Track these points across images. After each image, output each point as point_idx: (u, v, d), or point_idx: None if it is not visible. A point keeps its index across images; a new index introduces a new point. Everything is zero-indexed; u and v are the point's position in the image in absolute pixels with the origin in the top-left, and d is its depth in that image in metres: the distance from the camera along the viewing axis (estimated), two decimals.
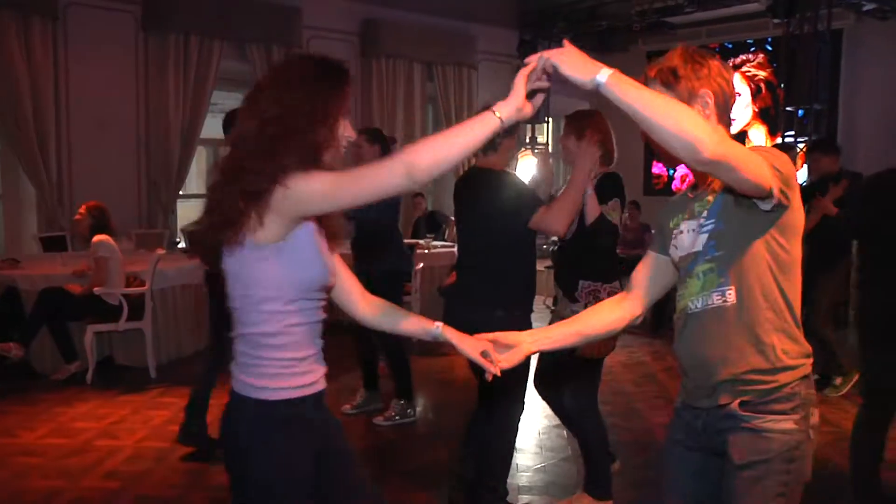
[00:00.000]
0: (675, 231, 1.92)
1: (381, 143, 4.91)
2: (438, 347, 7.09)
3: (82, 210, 5.74)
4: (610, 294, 3.18)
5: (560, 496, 3.76)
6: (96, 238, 5.58)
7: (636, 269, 2.07)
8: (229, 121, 4.41)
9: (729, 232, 1.79)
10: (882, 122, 9.61)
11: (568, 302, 3.43)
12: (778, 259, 1.77)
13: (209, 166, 9.34)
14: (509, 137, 3.40)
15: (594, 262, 3.38)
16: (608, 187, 3.34)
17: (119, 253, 5.70)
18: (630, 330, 6.25)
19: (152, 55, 8.05)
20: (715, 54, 1.93)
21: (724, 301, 1.79)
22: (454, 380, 6.12)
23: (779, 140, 9.47)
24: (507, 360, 1.91)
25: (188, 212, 9.49)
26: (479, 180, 3.42)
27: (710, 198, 1.83)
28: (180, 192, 8.36)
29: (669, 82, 1.85)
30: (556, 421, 4.82)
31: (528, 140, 11.63)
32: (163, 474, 3.99)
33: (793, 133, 8.98)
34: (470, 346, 1.96)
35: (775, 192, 1.65)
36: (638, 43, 12.05)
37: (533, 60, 1.72)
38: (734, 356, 1.77)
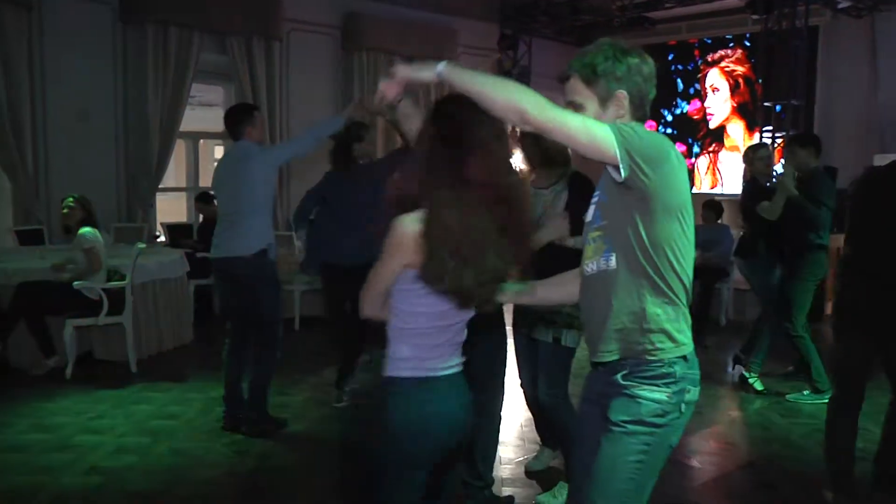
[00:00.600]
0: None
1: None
2: None
3: (71, 202, 5.68)
4: None
5: (542, 488, 3.79)
6: (84, 229, 5.54)
7: None
8: (232, 116, 4.52)
9: (609, 204, 2.00)
10: (857, 118, 9.75)
11: None
12: (644, 235, 1.93)
13: (189, 160, 9.30)
14: None
15: None
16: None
17: (104, 246, 5.65)
18: None
19: (130, 47, 7.95)
20: (636, 49, 2.04)
21: (608, 266, 2.00)
22: None
23: (756, 135, 9.58)
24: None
25: (167, 205, 9.44)
26: None
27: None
28: (159, 186, 8.28)
29: (589, 79, 2.00)
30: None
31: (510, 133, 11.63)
32: (147, 469, 3.97)
33: (770, 128, 9.08)
34: None
35: (620, 164, 1.82)
36: (618, 37, 12.10)
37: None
38: (612, 315, 1.98)
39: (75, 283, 5.50)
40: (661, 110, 11.87)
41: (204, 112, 10.02)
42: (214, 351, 6.58)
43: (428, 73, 1.95)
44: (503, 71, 11.38)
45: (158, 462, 4.07)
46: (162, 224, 8.28)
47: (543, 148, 3.32)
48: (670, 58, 11.68)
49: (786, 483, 3.94)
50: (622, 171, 1.83)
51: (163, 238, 8.14)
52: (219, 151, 11.39)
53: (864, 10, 9.50)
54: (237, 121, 4.47)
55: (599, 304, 2.02)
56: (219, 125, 9.35)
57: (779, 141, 8.88)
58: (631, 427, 1.98)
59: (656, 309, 1.96)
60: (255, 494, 3.74)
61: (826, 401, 4.99)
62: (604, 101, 2.00)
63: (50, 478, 3.83)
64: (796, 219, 5.06)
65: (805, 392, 5.33)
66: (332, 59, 9.66)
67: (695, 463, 4.19)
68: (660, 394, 1.97)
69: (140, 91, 7.91)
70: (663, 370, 1.97)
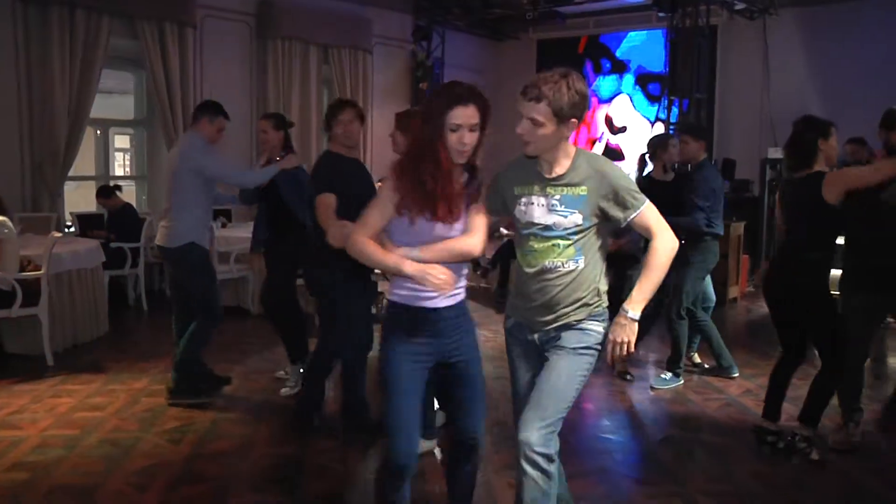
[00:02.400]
0: (521, 199, 2.64)
1: (285, 129, 5.09)
2: None
3: None
4: None
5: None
6: None
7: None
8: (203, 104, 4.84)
9: (585, 227, 2.60)
10: (751, 113, 10.35)
11: None
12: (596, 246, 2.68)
13: (98, 148, 8.99)
14: None
15: None
16: None
17: (16, 235, 5.44)
18: None
19: (33, 29, 7.61)
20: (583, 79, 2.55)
21: (577, 265, 2.62)
22: None
23: (659, 126, 10.02)
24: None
25: (77, 195, 9.11)
26: None
27: (578, 191, 2.56)
28: (68, 175, 7.98)
29: (560, 112, 2.46)
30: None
31: None
32: (75, 462, 3.87)
33: (675, 121, 9.52)
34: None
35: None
36: (529, 31, 12.41)
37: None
38: (577, 297, 2.64)
39: None
40: None
41: (117, 100, 9.69)
42: (132, 342, 6.46)
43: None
44: (417, 62, 11.48)
45: (88, 454, 3.98)
46: (72, 214, 7.98)
47: None
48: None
49: (704, 453, 4.21)
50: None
51: (75, 228, 7.84)
52: (122, 141, 11.04)
53: (756, 13, 10.09)
54: (202, 108, 4.77)
55: (567, 292, 2.63)
56: (130, 113, 9.19)
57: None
58: (582, 350, 2.65)
59: (597, 292, 2.69)
60: (191, 481, 3.71)
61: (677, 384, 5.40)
62: (559, 123, 2.49)
63: None
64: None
65: (667, 375, 5.46)
66: (247, 48, 9.53)
67: (619, 438, 4.42)
68: (599, 327, 2.68)
69: (46, 76, 7.60)
70: (600, 313, 2.70)
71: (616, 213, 2.58)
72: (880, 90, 9.35)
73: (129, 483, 3.65)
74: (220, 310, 4.79)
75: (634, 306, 2.56)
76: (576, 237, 2.59)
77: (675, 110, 9.57)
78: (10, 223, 5.41)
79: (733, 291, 8.61)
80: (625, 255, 7.78)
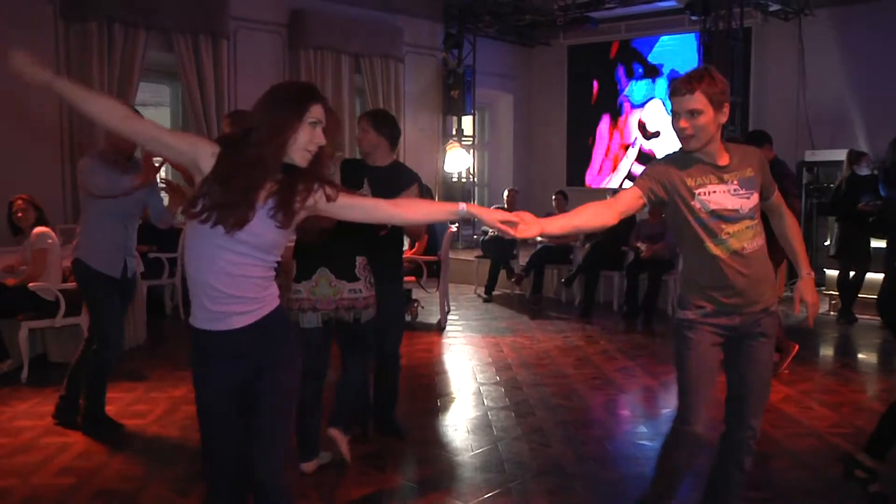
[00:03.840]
0: (699, 189, 2.74)
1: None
2: None
3: (20, 203, 5.55)
4: None
5: (515, 472, 3.91)
6: (38, 230, 5.44)
7: (622, 193, 2.86)
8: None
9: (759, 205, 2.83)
10: (787, 115, 10.21)
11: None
12: None
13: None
14: None
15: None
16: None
17: (59, 247, 5.55)
18: (562, 317, 6.36)
19: (73, 44, 7.80)
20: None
21: (763, 242, 2.81)
22: None
23: None
24: (523, 231, 2.47)
25: None
26: None
27: (748, 173, 2.76)
28: None
29: (713, 98, 2.65)
30: (506, 402, 5.03)
31: (454, 132, 11.78)
32: (119, 468, 3.95)
33: None
34: (492, 216, 2.44)
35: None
36: (560, 37, 12.39)
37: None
38: (769, 274, 2.87)
39: (30, 284, 5.39)
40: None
41: (152, 112, 9.86)
42: (170, 350, 6.55)
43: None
44: (448, 70, 11.52)
45: (131, 460, 4.05)
46: None
47: None
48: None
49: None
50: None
51: None
52: None
53: (791, 14, 9.97)
54: None
55: (761, 272, 2.82)
56: (166, 125, 9.33)
57: None
58: (773, 336, 2.90)
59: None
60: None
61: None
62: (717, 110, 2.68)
63: (19, 480, 3.77)
64: None
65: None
66: (280, 58, 9.65)
67: (658, 445, 4.38)
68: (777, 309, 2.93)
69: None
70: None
71: (766, 190, 2.84)
72: None
73: (171, 489, 3.71)
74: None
75: (807, 265, 2.88)
76: (756, 217, 2.78)
77: None
78: (53, 234, 5.54)
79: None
80: (660, 260, 7.76)
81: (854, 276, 7.75)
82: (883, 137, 8.55)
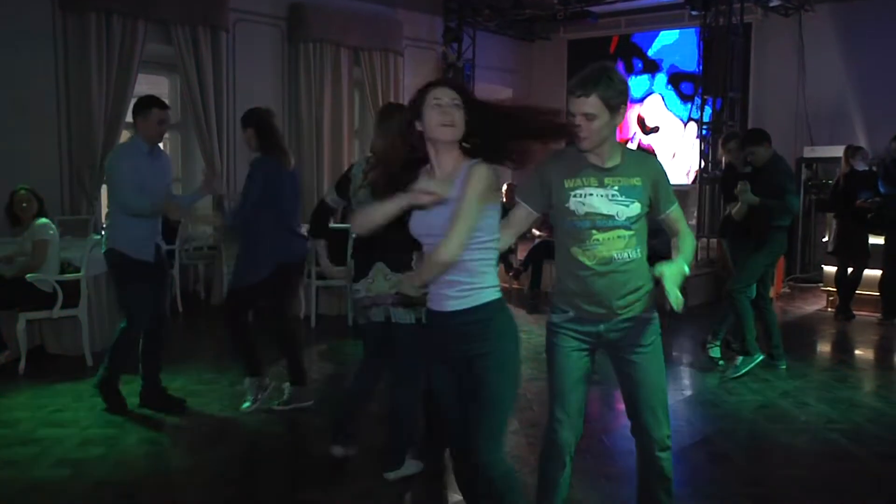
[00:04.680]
0: (575, 191, 2.66)
1: (254, 125, 4.66)
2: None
3: (24, 194, 5.56)
4: None
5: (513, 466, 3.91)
6: (40, 221, 5.44)
7: (512, 213, 2.82)
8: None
9: (642, 216, 2.69)
10: (787, 111, 10.21)
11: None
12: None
13: None
14: None
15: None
16: None
17: (58, 238, 5.55)
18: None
19: (72, 36, 7.76)
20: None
21: (637, 255, 2.71)
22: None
23: (693, 126, 9.93)
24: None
25: None
26: None
27: (634, 181, 2.65)
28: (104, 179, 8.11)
29: (609, 103, 2.59)
30: None
31: None
32: (118, 460, 3.95)
33: (708, 121, 9.43)
34: None
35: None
36: (560, 32, 12.37)
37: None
38: (640, 284, 2.72)
39: (28, 275, 5.38)
40: None
41: None
42: (167, 342, 6.54)
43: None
44: (447, 64, 11.50)
45: (129, 452, 4.06)
46: None
47: None
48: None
49: (739, 455, 4.17)
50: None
51: None
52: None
53: (791, 10, 9.96)
54: (133, 109, 4.55)
55: (628, 281, 2.69)
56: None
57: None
58: (657, 343, 2.78)
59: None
60: (230, 480, 3.77)
61: (758, 361, 5.47)
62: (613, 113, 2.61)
63: (17, 471, 3.78)
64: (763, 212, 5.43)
65: (738, 360, 5.61)
66: (279, 51, 9.63)
67: None
68: (656, 314, 2.81)
69: (83, 82, 7.74)
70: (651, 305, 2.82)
71: (659, 204, 2.72)
72: None
73: (169, 480, 3.72)
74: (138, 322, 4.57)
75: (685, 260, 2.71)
76: (635, 227, 2.67)
77: (708, 110, 9.47)
78: (52, 225, 5.53)
79: (770, 292, 8.48)
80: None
81: (852, 272, 7.76)
82: (882, 134, 8.57)
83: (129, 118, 8.12)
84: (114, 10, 7.81)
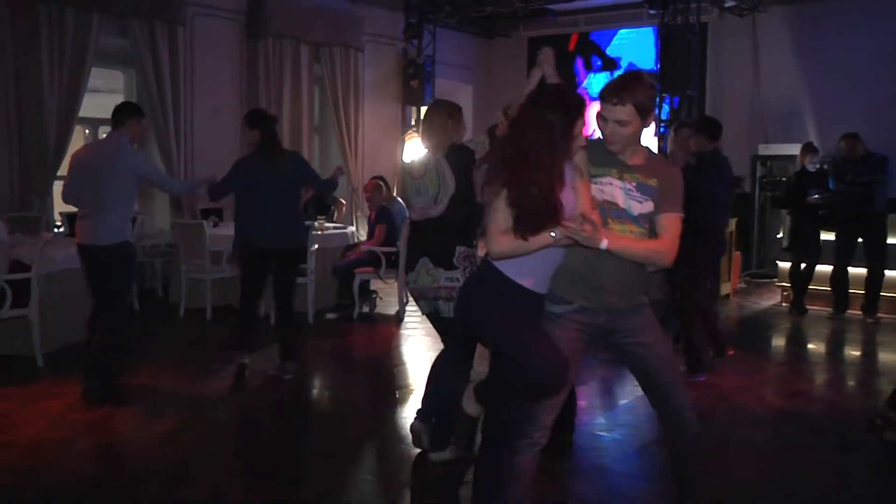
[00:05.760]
0: (596, 178, 2.73)
1: (260, 127, 5.18)
2: (337, 328, 7.14)
3: None
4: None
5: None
6: None
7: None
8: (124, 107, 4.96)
9: (653, 216, 2.76)
10: (742, 109, 10.38)
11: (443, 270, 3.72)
12: None
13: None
14: None
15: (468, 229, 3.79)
16: None
17: (6, 236, 5.39)
18: None
19: (20, 28, 7.53)
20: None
21: None
22: (352, 360, 6.20)
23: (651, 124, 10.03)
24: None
25: None
26: None
27: (650, 182, 2.73)
28: (57, 175, 7.92)
29: (642, 110, 2.68)
30: None
31: (413, 122, 11.74)
32: (69, 465, 3.84)
33: (666, 118, 9.54)
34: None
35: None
36: (520, 29, 12.40)
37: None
38: (642, 278, 2.85)
39: None
40: None
41: (104, 99, 9.62)
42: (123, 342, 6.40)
43: (595, 244, 2.54)
44: (408, 60, 11.47)
45: (84, 456, 3.96)
46: (61, 214, 7.92)
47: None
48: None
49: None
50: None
51: (63, 228, 7.78)
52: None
53: (745, 10, 10.13)
54: (127, 111, 4.92)
55: (633, 273, 2.77)
56: None
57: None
58: (654, 318, 2.92)
59: None
60: (186, 482, 3.69)
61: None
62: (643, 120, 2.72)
63: None
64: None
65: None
66: (238, 46, 9.48)
67: (615, 436, 4.42)
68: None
69: (34, 75, 7.53)
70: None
71: (661, 205, 2.75)
72: (869, 86, 9.41)
73: (125, 484, 3.64)
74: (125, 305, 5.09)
75: (614, 241, 2.59)
76: (646, 226, 2.76)
77: (665, 107, 9.58)
78: (2, 224, 5.37)
79: (726, 288, 8.63)
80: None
81: (805, 268, 7.92)
82: (833, 132, 8.75)
83: (82, 113, 8.04)
84: (66, 1, 7.61)
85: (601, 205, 2.71)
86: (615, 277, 2.72)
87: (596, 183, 2.74)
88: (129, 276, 5.06)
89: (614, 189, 2.73)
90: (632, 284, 2.79)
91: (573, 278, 2.75)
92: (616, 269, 2.70)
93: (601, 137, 2.78)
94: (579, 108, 2.63)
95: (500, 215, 2.60)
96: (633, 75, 2.76)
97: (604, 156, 2.77)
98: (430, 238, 3.74)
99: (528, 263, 2.64)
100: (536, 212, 2.54)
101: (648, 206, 2.74)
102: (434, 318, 3.83)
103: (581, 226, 2.47)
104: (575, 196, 2.63)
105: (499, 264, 2.68)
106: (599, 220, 2.56)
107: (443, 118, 3.80)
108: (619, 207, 2.73)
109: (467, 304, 2.80)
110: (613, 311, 2.78)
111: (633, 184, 2.74)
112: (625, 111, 2.65)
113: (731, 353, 5.84)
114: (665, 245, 2.74)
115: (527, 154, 2.57)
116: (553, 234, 2.53)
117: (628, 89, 2.66)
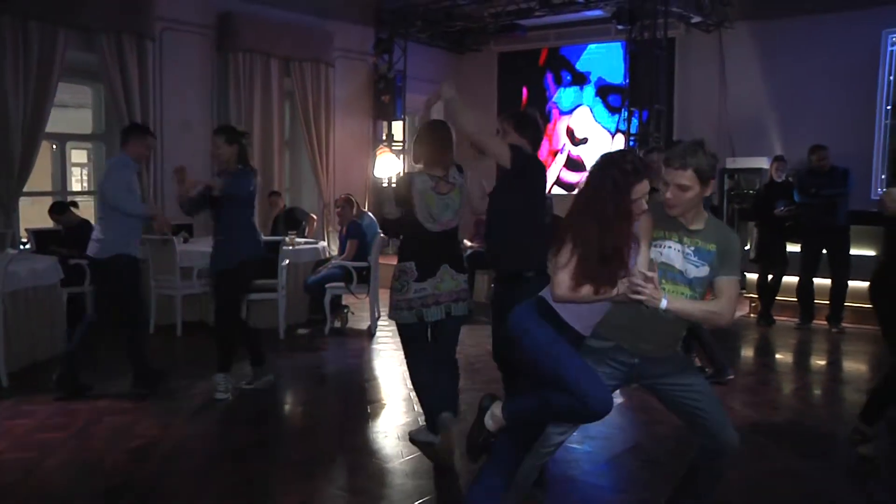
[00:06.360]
0: (658, 241, 2.86)
1: (238, 142, 5.25)
2: (308, 343, 7.11)
3: None
4: None
5: (445, 478, 3.91)
6: None
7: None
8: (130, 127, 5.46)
9: (708, 281, 2.86)
10: (709, 123, 10.52)
11: None
12: None
13: (55, 163, 8.83)
14: None
15: None
16: None
17: None
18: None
19: None
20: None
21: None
22: (324, 375, 6.18)
23: (620, 138, 10.13)
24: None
25: (32, 211, 8.92)
26: None
27: (709, 247, 2.84)
28: (23, 190, 7.82)
29: (703, 176, 2.80)
30: None
31: (384, 137, 11.75)
32: (34, 485, 3.76)
33: (635, 132, 9.65)
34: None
35: None
36: (490, 44, 12.50)
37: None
38: (683, 333, 3.08)
39: None
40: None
41: (73, 114, 9.52)
42: (91, 360, 6.32)
43: (657, 303, 2.67)
44: (379, 75, 11.50)
45: (50, 476, 3.88)
46: (27, 230, 7.80)
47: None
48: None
49: (670, 459, 4.25)
50: None
51: (29, 245, 7.66)
52: (79, 156, 10.89)
53: (712, 26, 10.31)
54: (129, 131, 5.36)
55: (676, 329, 2.97)
56: (87, 127, 9.05)
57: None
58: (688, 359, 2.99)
59: None
60: (157, 500, 3.66)
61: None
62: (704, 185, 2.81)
63: None
64: None
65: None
66: (208, 60, 9.45)
67: (586, 447, 4.45)
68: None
69: None
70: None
71: (719, 269, 2.85)
72: (832, 101, 9.61)
73: (96, 502, 3.58)
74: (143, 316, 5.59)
75: (673, 301, 2.71)
76: (699, 291, 2.86)
77: (634, 122, 9.70)
78: None
79: None
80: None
81: (772, 279, 8.04)
82: (797, 146, 8.92)
83: (49, 128, 7.95)
84: (31, 15, 7.53)
85: (658, 266, 2.83)
86: (654, 328, 2.85)
87: (657, 245, 2.86)
88: (122, 289, 5.23)
89: (673, 252, 2.85)
90: (669, 337, 2.94)
91: (616, 323, 2.88)
92: (657, 324, 2.83)
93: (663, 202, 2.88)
94: (638, 172, 2.73)
95: (569, 260, 2.74)
96: (697, 142, 2.84)
97: (666, 219, 2.87)
98: (448, 247, 4.10)
99: (582, 308, 2.80)
100: (606, 263, 2.68)
101: (704, 271, 2.84)
102: (435, 324, 4.08)
103: (645, 282, 2.61)
104: (636, 256, 2.78)
105: (554, 304, 2.82)
106: (657, 275, 2.68)
107: (450, 136, 4.09)
108: (676, 270, 2.84)
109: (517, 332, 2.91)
110: (647, 356, 2.92)
111: (692, 248, 2.85)
112: (686, 176, 2.75)
113: (731, 378, 5.84)
114: (722, 306, 2.84)
115: (599, 206, 2.72)
116: (616, 290, 2.67)
117: (690, 154, 2.76)
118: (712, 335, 5.70)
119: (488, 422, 3.05)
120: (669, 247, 2.86)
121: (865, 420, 4.20)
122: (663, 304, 2.65)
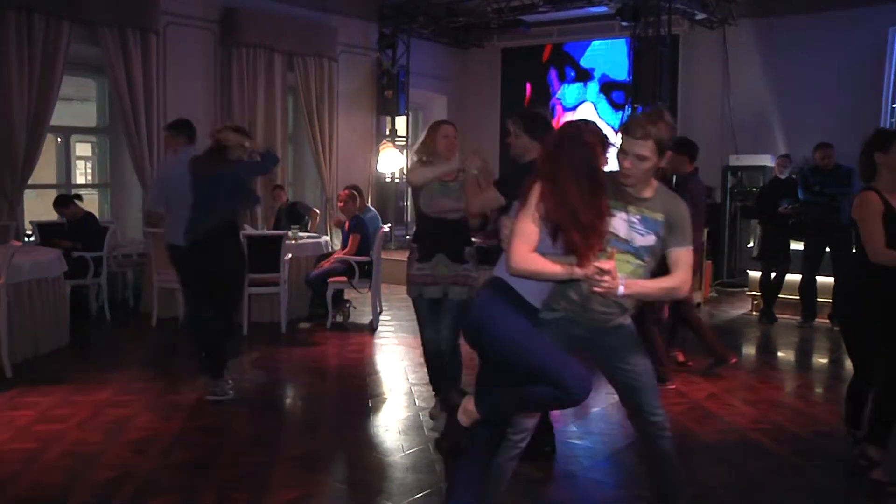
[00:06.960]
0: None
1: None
2: (310, 338, 7.12)
3: None
4: None
5: (446, 472, 3.92)
6: None
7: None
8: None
9: (655, 250, 2.84)
10: (713, 121, 10.52)
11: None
12: None
13: (60, 156, 8.85)
14: None
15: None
16: None
17: None
18: None
19: None
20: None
21: None
22: (325, 369, 6.19)
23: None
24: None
25: (37, 204, 8.95)
26: None
27: (656, 216, 2.81)
28: (28, 183, 7.84)
29: (662, 147, 2.74)
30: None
31: (387, 132, 11.75)
32: (35, 476, 3.78)
33: None
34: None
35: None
36: (493, 40, 12.49)
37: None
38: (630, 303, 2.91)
39: None
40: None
41: (77, 108, 9.54)
42: (94, 352, 6.35)
43: (614, 292, 2.68)
44: (382, 70, 11.49)
45: (50, 468, 3.90)
46: (32, 223, 7.82)
47: None
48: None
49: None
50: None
51: (33, 237, 7.69)
52: (83, 149, 10.90)
53: (716, 23, 10.29)
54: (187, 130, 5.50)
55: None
56: (92, 121, 9.06)
57: None
58: (637, 339, 3.03)
59: None
60: (157, 492, 3.67)
61: None
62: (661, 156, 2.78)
63: None
64: None
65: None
66: (211, 55, 9.46)
67: (587, 443, 4.46)
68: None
69: (3, 83, 7.44)
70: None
71: (669, 240, 2.84)
72: (836, 99, 9.59)
73: (94, 495, 3.59)
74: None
75: (630, 286, 2.69)
76: (646, 259, 2.84)
77: None
78: None
79: (697, 296, 8.72)
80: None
81: (775, 277, 8.03)
82: (801, 143, 8.91)
83: (53, 121, 7.96)
84: (35, 8, 7.55)
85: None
86: (602, 299, 2.79)
87: None
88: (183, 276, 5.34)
89: (618, 220, 2.79)
90: (617, 306, 2.86)
91: (565, 294, 2.85)
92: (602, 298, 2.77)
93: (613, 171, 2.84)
94: (606, 141, 2.75)
95: (529, 230, 2.70)
96: (659, 113, 2.79)
97: (616, 188, 2.81)
98: (445, 238, 4.34)
99: (534, 282, 2.77)
100: (582, 231, 2.63)
101: (650, 240, 2.81)
102: (433, 302, 4.38)
103: (601, 276, 2.58)
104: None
105: (509, 279, 2.78)
106: (615, 265, 2.62)
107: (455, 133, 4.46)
108: (621, 238, 2.79)
109: (480, 317, 2.87)
110: (596, 328, 2.90)
111: (638, 217, 2.81)
112: (647, 146, 2.71)
113: (735, 360, 5.95)
114: (678, 280, 2.83)
115: (572, 171, 2.69)
116: (574, 270, 2.63)
117: (651, 125, 2.71)
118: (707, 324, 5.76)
119: (461, 418, 2.98)
120: (614, 215, 2.80)
121: (875, 442, 3.80)
122: (620, 290, 2.63)
